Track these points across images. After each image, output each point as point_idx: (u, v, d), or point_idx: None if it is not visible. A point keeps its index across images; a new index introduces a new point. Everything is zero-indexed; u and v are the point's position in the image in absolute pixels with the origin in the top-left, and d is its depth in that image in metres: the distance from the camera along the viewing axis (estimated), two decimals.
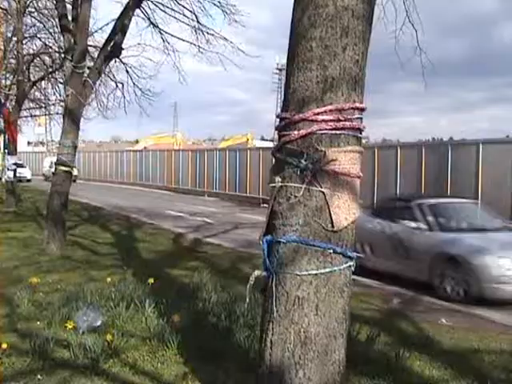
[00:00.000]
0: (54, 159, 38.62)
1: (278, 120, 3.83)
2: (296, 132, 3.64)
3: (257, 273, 3.79)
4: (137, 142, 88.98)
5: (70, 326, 6.34)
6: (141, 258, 12.02)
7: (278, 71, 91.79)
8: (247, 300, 3.84)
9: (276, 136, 3.94)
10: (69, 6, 14.03)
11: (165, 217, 22.22)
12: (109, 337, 6.01)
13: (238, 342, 6.21)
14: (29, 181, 48.75)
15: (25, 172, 47.94)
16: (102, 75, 15.57)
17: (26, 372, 5.56)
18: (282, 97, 3.90)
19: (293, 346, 3.64)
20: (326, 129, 3.59)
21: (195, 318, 6.93)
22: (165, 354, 5.99)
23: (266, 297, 3.80)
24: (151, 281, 7.95)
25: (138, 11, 13.97)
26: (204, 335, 6.35)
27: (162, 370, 5.66)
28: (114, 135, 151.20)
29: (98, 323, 6.70)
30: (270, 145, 52.28)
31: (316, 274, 3.62)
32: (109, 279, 8.42)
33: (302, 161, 3.59)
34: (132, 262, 11.23)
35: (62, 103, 29.73)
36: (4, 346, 5.89)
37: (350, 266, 3.76)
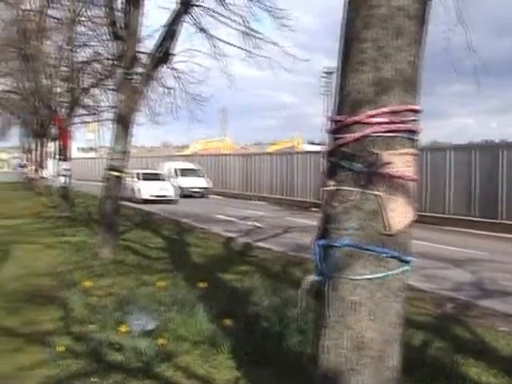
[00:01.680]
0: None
1: (331, 123, 3.80)
2: (349, 135, 3.60)
3: (310, 277, 3.75)
4: (186, 146, 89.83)
5: (124, 330, 6.43)
6: (192, 262, 12.10)
7: (325, 74, 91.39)
8: (300, 305, 3.80)
9: (328, 139, 3.90)
10: (119, 14, 14.24)
11: (215, 221, 22.34)
12: (161, 341, 6.06)
13: (289, 346, 6.19)
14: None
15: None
16: (152, 81, 15.73)
17: (80, 374, 5.65)
18: (334, 99, 3.85)
19: (347, 352, 3.59)
20: (380, 131, 3.54)
21: (247, 322, 6.93)
22: (217, 359, 6.01)
23: (320, 302, 3.77)
24: (202, 285, 7.99)
25: (187, 17, 14.07)
26: (256, 339, 6.34)
27: (215, 374, 5.68)
28: (164, 140, 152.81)
29: (151, 327, 6.77)
30: (318, 148, 52.12)
31: (371, 279, 3.57)
32: (160, 283, 8.49)
33: (356, 164, 3.55)
34: (183, 266, 11.31)
35: (113, 109, 30.28)
36: (60, 348, 6.01)
37: (405, 271, 3.69)
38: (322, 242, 3.70)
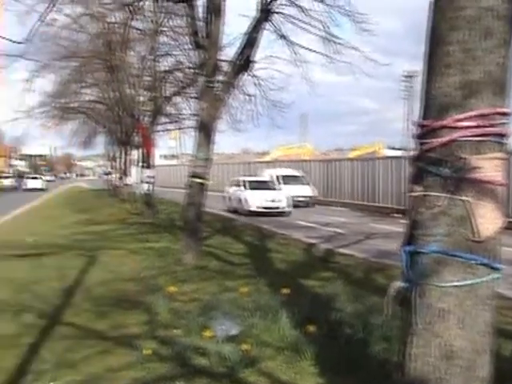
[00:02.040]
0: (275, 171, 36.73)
1: (417, 127, 3.75)
2: (436, 139, 3.54)
3: (396, 284, 3.71)
4: (266, 153, 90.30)
5: (208, 335, 6.53)
6: (274, 268, 12.15)
7: (406, 78, 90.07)
8: (386, 311, 3.76)
9: (413, 144, 3.85)
10: (201, 24, 14.48)
11: (295, 227, 22.35)
12: (245, 346, 6.11)
13: (374, 353, 6.12)
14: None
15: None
16: (233, 89, 15.92)
17: (166, 378, 5.77)
18: (420, 103, 3.80)
19: (435, 360, 3.52)
20: (468, 135, 3.46)
21: (330, 328, 6.90)
22: (300, 365, 6.01)
23: (407, 309, 3.72)
24: (285, 291, 8.01)
25: (267, 24, 14.18)
26: (339, 346, 6.31)
27: (298, 380, 5.69)
28: (244, 147, 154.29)
29: (235, 332, 6.84)
30: (400, 153, 51.30)
31: (459, 286, 3.50)
32: (243, 289, 8.57)
33: (444, 169, 3.49)
34: (265, 272, 11.37)
35: (195, 117, 30.81)
36: (146, 351, 6.16)
37: (494, 278, 3.60)
38: (408, 248, 3.65)
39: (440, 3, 3.63)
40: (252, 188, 31.42)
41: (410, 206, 3.71)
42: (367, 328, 6.77)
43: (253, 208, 30.06)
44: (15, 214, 29.97)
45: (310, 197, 36.90)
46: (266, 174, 38.87)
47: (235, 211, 30.56)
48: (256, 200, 30.18)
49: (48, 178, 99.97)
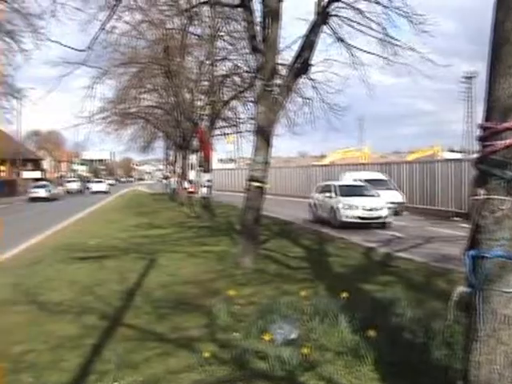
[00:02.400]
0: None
1: (480, 129, 3.69)
2: (500, 142, 3.47)
3: (460, 289, 3.65)
4: (323, 156, 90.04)
5: (267, 338, 6.54)
6: (332, 272, 12.09)
7: (465, 79, 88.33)
8: (449, 317, 3.71)
9: (476, 146, 3.79)
10: (258, 28, 14.55)
11: (354, 231, 22.17)
12: (305, 350, 6.10)
13: (435, 359, 6.03)
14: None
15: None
16: (291, 92, 15.93)
17: (226, 381, 5.82)
18: (484, 105, 3.74)
19: (501, 368, 3.46)
20: None
21: (390, 333, 6.82)
22: (360, 370, 5.96)
23: (470, 314, 3.65)
24: (344, 295, 7.96)
25: (324, 27, 14.14)
26: (400, 351, 6.23)
27: None
28: (300, 150, 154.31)
29: (294, 336, 6.84)
30: (459, 156, 50.36)
31: None
32: (302, 293, 8.55)
33: (508, 172, 3.42)
34: (324, 275, 11.33)
35: (252, 121, 30.95)
36: (206, 354, 6.22)
37: None
38: (472, 252, 3.60)
39: (504, 4, 3.57)
40: (345, 194, 25.85)
41: (473, 210, 3.64)
42: (428, 333, 6.66)
43: (347, 218, 24.61)
44: (78, 217, 30.68)
45: (400, 203, 31.45)
46: (348, 178, 33.46)
47: (323, 222, 25.78)
48: (350, 209, 24.71)
49: (110, 182, 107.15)
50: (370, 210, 24.82)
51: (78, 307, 9.06)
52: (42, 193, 56.67)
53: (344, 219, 24.49)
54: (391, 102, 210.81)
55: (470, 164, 29.94)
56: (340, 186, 27.51)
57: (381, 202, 25.55)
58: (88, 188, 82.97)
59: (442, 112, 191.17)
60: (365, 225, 24.19)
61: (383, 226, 24.34)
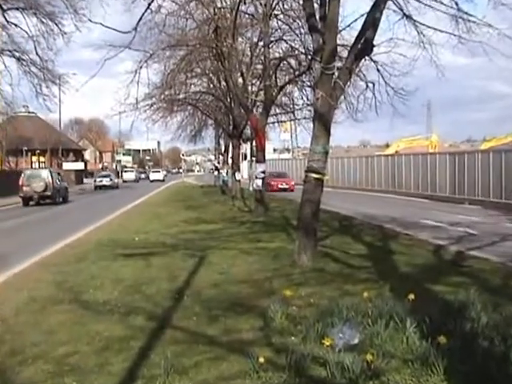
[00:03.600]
0: None
1: None
2: None
3: None
4: (387, 146, 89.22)
5: (327, 343, 6.50)
6: (397, 272, 11.96)
7: None
8: None
9: None
10: (316, 5, 14.47)
11: (421, 227, 21.90)
12: (369, 356, 6.05)
13: None
14: None
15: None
16: (352, 75, 15.80)
17: None
18: None
19: None
20: None
21: (463, 340, 6.71)
22: (430, 380, 5.91)
23: None
24: (411, 297, 7.87)
25: (389, 3, 13.97)
26: (474, 361, 6.12)
27: None
28: (362, 139, 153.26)
29: (356, 341, 6.80)
30: None
31: None
32: (365, 294, 8.50)
33: None
34: (388, 275, 11.22)
35: (309, 107, 30.84)
36: (261, 359, 6.23)
37: None
38: None
39: None
40: None
41: None
42: (508, 341, 6.52)
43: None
44: (124, 210, 31.20)
45: None
46: None
47: None
48: None
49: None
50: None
51: (124, 307, 9.21)
52: (106, 182, 71.24)
53: None
54: (463, 84, 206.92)
55: None
56: None
57: None
58: (140, 178, 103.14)
59: None
60: None
61: None
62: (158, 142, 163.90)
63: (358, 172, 55.63)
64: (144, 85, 29.80)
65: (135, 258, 14.11)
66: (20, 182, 39.64)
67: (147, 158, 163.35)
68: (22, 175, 40.38)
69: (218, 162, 60.15)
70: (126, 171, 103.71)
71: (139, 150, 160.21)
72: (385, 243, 16.61)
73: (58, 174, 44.35)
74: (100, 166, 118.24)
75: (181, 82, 34.21)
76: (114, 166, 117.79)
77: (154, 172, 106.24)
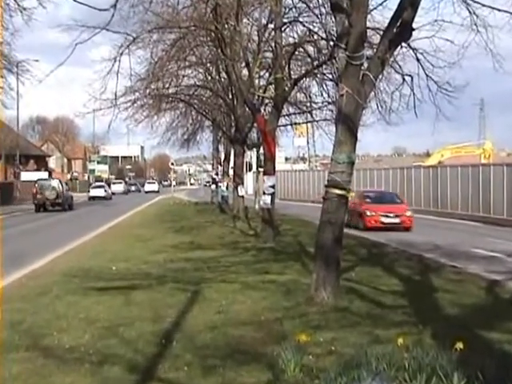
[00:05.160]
0: None
1: None
2: None
3: None
4: (428, 155, 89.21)
5: None
6: (441, 314, 11.94)
7: None
8: None
9: None
10: None
11: (471, 257, 21.86)
12: None
13: None
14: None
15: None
16: (385, 67, 15.79)
17: None
18: None
19: None
20: None
21: None
22: None
23: None
24: (459, 346, 7.82)
25: None
26: None
27: None
28: (396, 146, 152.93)
29: None
30: None
31: None
32: (400, 341, 8.45)
33: None
34: (430, 318, 11.20)
35: (331, 106, 30.81)
36: None
37: None
38: None
39: None
40: None
41: None
42: None
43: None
44: (100, 231, 31.16)
45: None
46: None
47: None
48: None
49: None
50: None
51: (97, 354, 9.16)
52: (100, 193, 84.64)
53: None
54: None
55: None
56: None
57: None
58: (129, 190, 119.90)
59: None
60: None
61: None
62: (142, 148, 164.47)
63: (390, 187, 55.45)
64: (125, 76, 29.55)
65: (111, 292, 14.06)
66: (34, 191, 55.19)
67: (128, 166, 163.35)
68: (36, 185, 55.34)
69: (217, 174, 60.05)
70: (114, 183, 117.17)
71: (118, 157, 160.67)
72: (425, 277, 16.58)
73: (66, 183, 63.05)
74: (68, 176, 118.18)
75: (171, 73, 34.22)
76: (86, 177, 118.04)
77: (149, 183, 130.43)
